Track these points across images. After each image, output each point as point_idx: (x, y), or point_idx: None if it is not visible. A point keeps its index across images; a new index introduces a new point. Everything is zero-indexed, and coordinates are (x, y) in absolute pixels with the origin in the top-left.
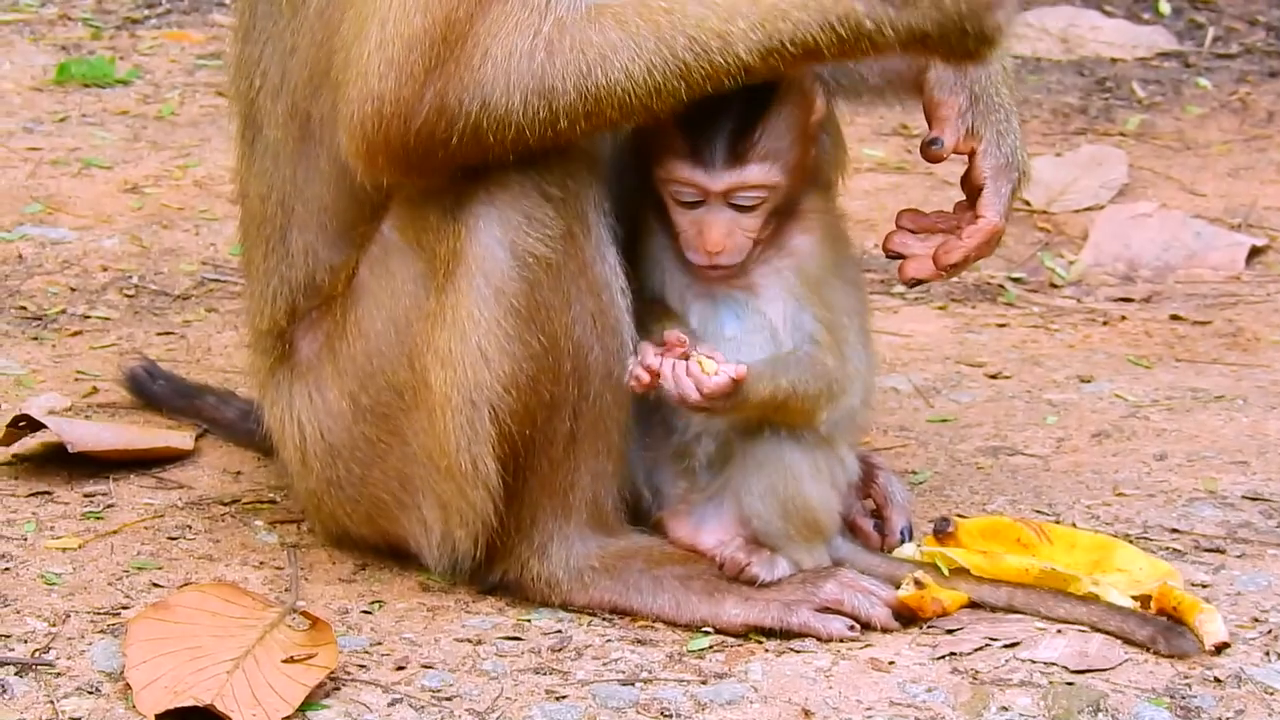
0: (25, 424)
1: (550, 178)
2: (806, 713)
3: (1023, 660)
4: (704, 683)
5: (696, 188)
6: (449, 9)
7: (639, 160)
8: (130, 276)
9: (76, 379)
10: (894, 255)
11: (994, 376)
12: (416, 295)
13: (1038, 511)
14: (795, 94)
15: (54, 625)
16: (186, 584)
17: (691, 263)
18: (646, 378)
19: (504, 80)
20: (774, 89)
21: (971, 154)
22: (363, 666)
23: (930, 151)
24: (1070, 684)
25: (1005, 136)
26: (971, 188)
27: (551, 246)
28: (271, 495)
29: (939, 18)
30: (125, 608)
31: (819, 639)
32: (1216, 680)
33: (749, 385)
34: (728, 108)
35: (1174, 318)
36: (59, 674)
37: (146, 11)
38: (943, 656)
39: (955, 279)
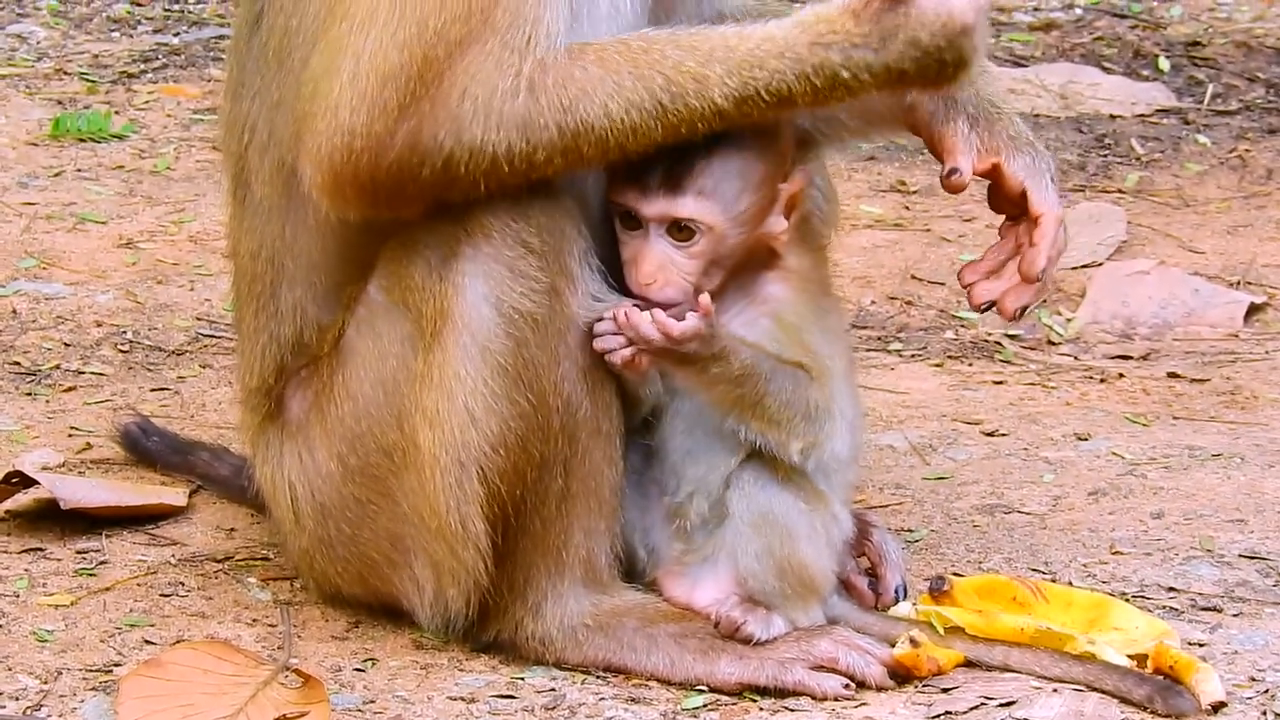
0: (18, 480)
1: (531, 229)
2: None
3: (1018, 719)
4: None
5: (632, 211)
6: (427, 48)
7: None
8: (125, 332)
9: (70, 435)
10: (986, 307)
11: (990, 434)
12: (404, 356)
13: (1034, 570)
14: (762, 147)
15: (46, 682)
16: (179, 641)
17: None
18: (618, 343)
19: (484, 118)
20: (740, 135)
21: (995, 167)
22: None
23: (951, 182)
24: None
25: (1018, 138)
26: (1010, 197)
27: (536, 301)
28: (265, 552)
29: (917, 55)
30: (117, 665)
31: (814, 698)
32: None
33: (728, 344)
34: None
35: (1172, 375)
36: None
37: (142, 66)
38: (938, 716)
39: (953, 336)
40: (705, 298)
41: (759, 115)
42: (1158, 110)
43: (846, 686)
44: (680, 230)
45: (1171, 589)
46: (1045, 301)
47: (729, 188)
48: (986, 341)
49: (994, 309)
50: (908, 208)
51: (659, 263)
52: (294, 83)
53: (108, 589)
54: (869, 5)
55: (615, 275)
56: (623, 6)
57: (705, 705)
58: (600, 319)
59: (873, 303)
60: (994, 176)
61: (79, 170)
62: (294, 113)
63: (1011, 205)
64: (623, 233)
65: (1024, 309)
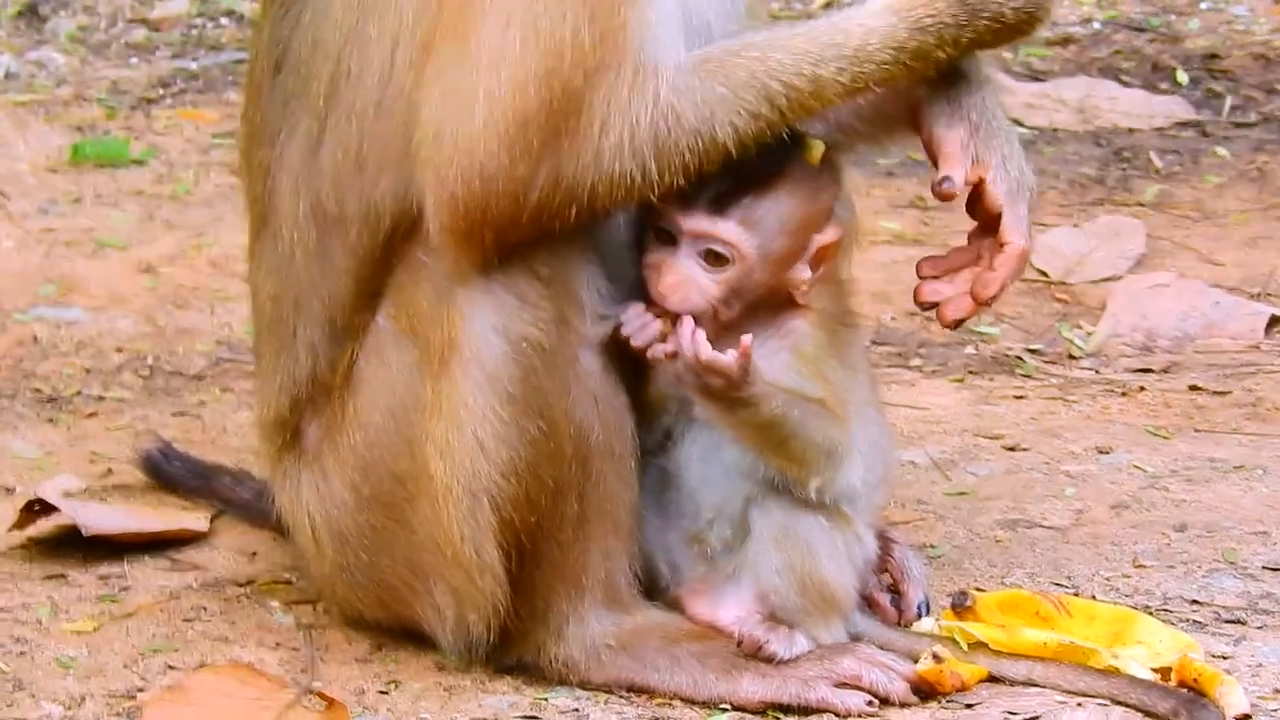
0: (40, 507)
1: (539, 256)
2: None
3: None
4: None
5: (670, 222)
6: (565, 79)
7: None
8: (145, 357)
9: (91, 461)
10: (928, 305)
11: (1012, 449)
12: (412, 384)
13: (1056, 584)
14: (809, 195)
15: (69, 709)
16: (202, 666)
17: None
18: (651, 333)
19: (625, 148)
20: (783, 170)
21: (980, 182)
22: None
23: (942, 190)
24: None
25: (1010, 159)
26: (987, 215)
27: (544, 330)
28: (287, 576)
29: (998, 27)
30: (141, 690)
31: (837, 715)
32: None
33: (761, 391)
34: (739, 166)
35: (1193, 388)
36: None
37: (161, 91)
38: None
39: (973, 351)
40: (747, 339)
41: (863, 100)
42: (1176, 123)
43: (870, 703)
44: (714, 256)
45: (1195, 602)
46: (1065, 316)
47: (769, 225)
48: (1007, 356)
49: (934, 310)
50: (926, 223)
51: (680, 278)
52: (346, 123)
53: (130, 614)
54: None
55: (633, 295)
56: (729, 11)
57: None
58: (634, 308)
59: (892, 319)
60: (978, 189)
61: (98, 196)
62: (352, 153)
63: (986, 220)
64: (653, 244)
65: (960, 321)
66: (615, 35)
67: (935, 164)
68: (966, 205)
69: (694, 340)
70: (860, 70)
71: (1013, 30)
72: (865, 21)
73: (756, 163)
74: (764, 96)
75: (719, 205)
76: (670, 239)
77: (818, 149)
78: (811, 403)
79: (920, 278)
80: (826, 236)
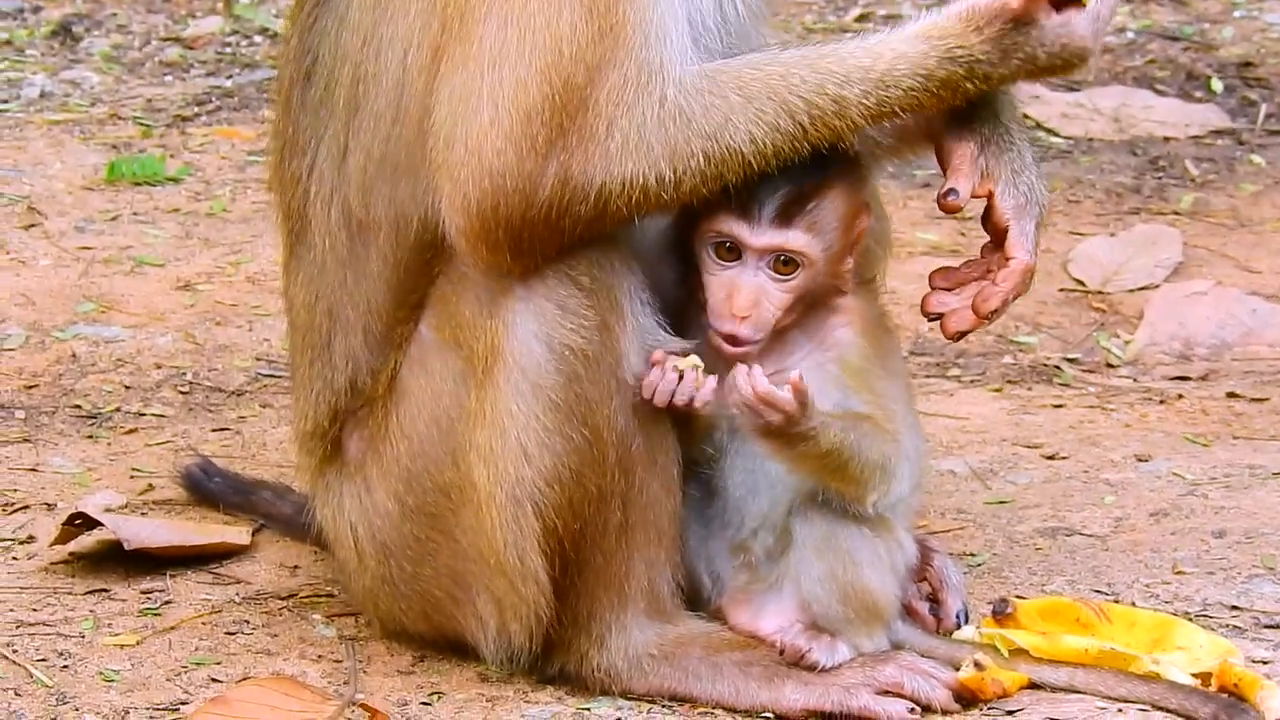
0: (81, 522)
1: (580, 266)
2: None
3: None
4: None
5: (737, 242)
6: (566, 74)
7: (681, 247)
8: (184, 373)
9: (132, 476)
10: (934, 316)
11: (1051, 457)
12: (456, 394)
13: (1097, 591)
14: (852, 187)
15: None
16: (245, 679)
17: (721, 342)
18: (688, 390)
19: (634, 150)
20: (831, 169)
21: (990, 196)
22: None
23: (947, 202)
24: None
25: (1021, 174)
26: (995, 229)
27: (587, 338)
28: (329, 589)
29: (1031, 69)
30: (184, 703)
31: None
32: None
33: (818, 424)
34: (786, 172)
35: (1231, 395)
36: None
37: (196, 109)
38: None
39: (1011, 360)
40: (795, 375)
41: (888, 124)
42: (1211, 131)
43: (912, 711)
44: (785, 264)
45: (1234, 607)
46: (1103, 325)
47: (830, 225)
48: (1045, 365)
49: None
50: (963, 234)
51: (755, 296)
52: (371, 127)
53: (173, 628)
54: (992, 23)
55: (670, 303)
56: (730, 15)
57: None
58: (654, 369)
59: (930, 329)
60: (988, 203)
61: (135, 214)
62: (377, 158)
63: (995, 235)
64: (714, 264)
65: (962, 334)
66: (615, 32)
67: (944, 175)
68: (981, 219)
69: (750, 375)
70: (886, 94)
71: (1046, 71)
72: (896, 46)
73: (804, 168)
74: (784, 110)
75: (784, 217)
76: (733, 257)
77: None
78: (864, 421)
79: (931, 288)
80: (865, 221)
